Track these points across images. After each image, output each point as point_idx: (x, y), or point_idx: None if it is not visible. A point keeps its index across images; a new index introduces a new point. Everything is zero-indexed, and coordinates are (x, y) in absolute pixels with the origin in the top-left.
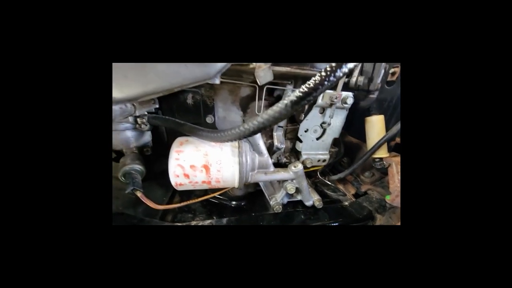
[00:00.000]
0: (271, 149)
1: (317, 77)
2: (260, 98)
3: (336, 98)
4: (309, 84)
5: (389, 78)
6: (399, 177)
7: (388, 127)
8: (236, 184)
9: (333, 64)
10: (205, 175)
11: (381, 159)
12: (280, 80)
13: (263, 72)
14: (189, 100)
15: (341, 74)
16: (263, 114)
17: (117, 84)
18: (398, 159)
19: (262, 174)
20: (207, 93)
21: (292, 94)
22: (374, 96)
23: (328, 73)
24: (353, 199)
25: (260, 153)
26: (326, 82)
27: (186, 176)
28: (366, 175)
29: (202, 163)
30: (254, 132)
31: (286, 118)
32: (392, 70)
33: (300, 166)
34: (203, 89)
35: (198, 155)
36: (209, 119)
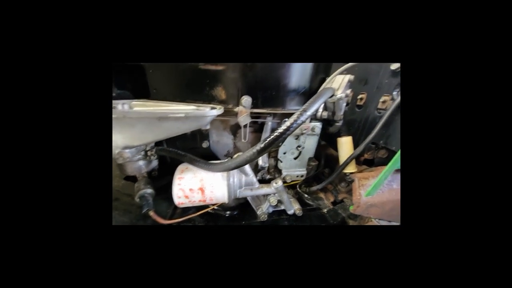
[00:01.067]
0: (256, 168)
1: (279, 131)
2: (245, 127)
3: (305, 129)
4: (272, 136)
5: (358, 103)
6: (360, 191)
7: (358, 144)
8: (226, 201)
9: (293, 117)
10: (201, 196)
11: (350, 173)
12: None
13: (243, 118)
14: (188, 132)
15: (299, 123)
16: (238, 157)
17: (136, 134)
18: (360, 175)
19: (248, 190)
20: None
21: (258, 144)
22: (339, 124)
23: (288, 126)
24: (331, 207)
25: (246, 174)
26: (287, 132)
27: (186, 197)
28: (342, 185)
29: (199, 186)
30: (234, 168)
31: (256, 159)
32: (359, 96)
33: (280, 183)
34: None
35: (196, 180)
36: (204, 144)
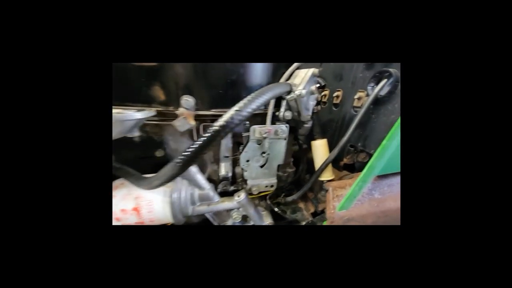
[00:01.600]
0: (217, 179)
1: (204, 137)
2: (197, 134)
3: (266, 133)
4: (195, 144)
5: (334, 101)
6: (334, 204)
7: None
8: (171, 221)
9: (223, 119)
10: (137, 217)
11: (327, 181)
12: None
13: (180, 122)
14: (136, 138)
15: (231, 125)
16: (160, 172)
17: None
18: (336, 184)
19: (205, 206)
20: (153, 129)
21: (179, 157)
22: (308, 125)
23: (215, 130)
24: (310, 219)
25: (200, 187)
26: (216, 138)
27: (118, 219)
28: (322, 193)
29: (133, 206)
30: (160, 185)
31: (181, 173)
32: (335, 94)
33: (243, 196)
34: (148, 127)
35: (129, 198)
36: (158, 153)
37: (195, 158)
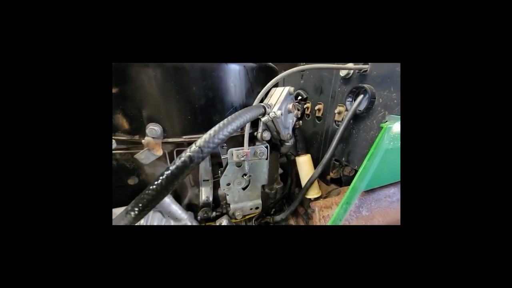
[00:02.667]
0: (198, 203)
1: (165, 175)
2: (171, 160)
3: (243, 156)
4: (156, 183)
5: (317, 114)
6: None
7: (322, 158)
8: None
9: (186, 154)
10: None
11: (314, 198)
12: None
13: (143, 154)
14: None
15: (197, 160)
16: (120, 214)
17: None
18: (322, 203)
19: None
20: (123, 157)
21: (138, 197)
22: (289, 143)
23: (179, 165)
24: None
25: (175, 218)
26: (183, 173)
27: None
28: (312, 209)
29: None
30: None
31: (139, 219)
32: (316, 107)
33: (225, 222)
34: (118, 154)
35: None
36: (131, 181)
37: (153, 201)
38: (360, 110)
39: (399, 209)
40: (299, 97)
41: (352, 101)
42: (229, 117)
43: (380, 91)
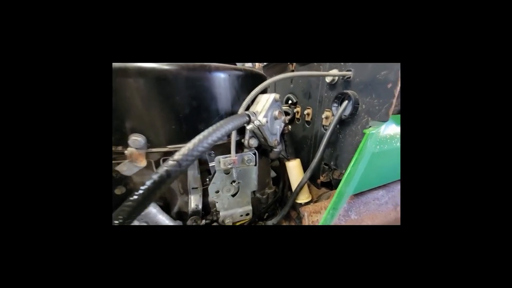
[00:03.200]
0: (186, 212)
1: (140, 191)
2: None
3: (231, 164)
4: (132, 198)
5: (306, 119)
6: None
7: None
8: None
9: (164, 167)
10: None
11: (305, 203)
12: None
13: (125, 166)
14: None
15: (175, 173)
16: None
17: None
18: (311, 208)
19: None
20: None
21: (119, 209)
22: (277, 149)
23: (156, 179)
24: None
25: None
26: (160, 187)
27: None
28: (302, 214)
29: None
30: None
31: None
32: (305, 112)
33: None
34: None
35: None
36: (118, 191)
37: (141, 206)
38: (345, 116)
39: (388, 212)
40: (289, 101)
41: (338, 106)
42: (210, 128)
43: (363, 97)
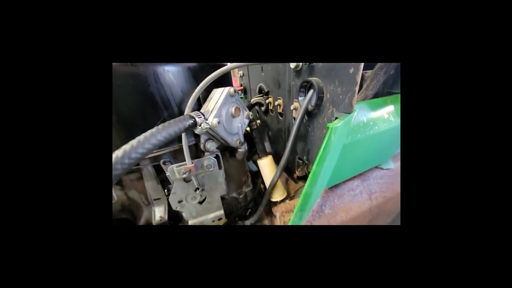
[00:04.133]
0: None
1: None
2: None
3: (186, 172)
4: None
5: (278, 110)
6: None
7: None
8: None
9: None
10: None
11: (280, 201)
12: None
13: None
14: None
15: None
16: None
17: None
18: (283, 207)
19: None
20: None
21: None
22: (242, 150)
23: None
24: None
25: None
26: None
27: None
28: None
29: None
30: None
31: None
32: (276, 102)
33: None
34: None
35: None
36: None
37: None
38: (312, 106)
39: (362, 202)
40: (262, 91)
41: (304, 96)
42: (141, 136)
43: (326, 85)
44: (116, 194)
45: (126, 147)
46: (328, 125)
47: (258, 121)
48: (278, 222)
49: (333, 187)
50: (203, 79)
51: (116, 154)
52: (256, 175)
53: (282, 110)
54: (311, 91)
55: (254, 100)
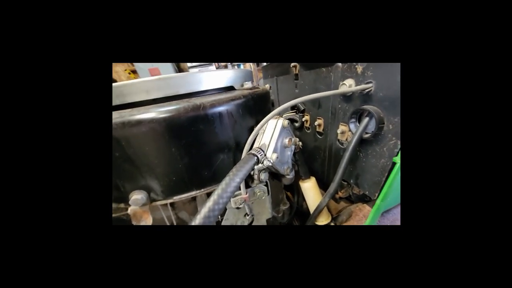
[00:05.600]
0: None
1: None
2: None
3: (242, 203)
4: None
5: (317, 130)
6: None
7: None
8: None
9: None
10: None
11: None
12: None
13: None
14: None
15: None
16: None
17: None
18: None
19: None
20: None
21: None
22: (290, 176)
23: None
24: None
25: None
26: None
27: None
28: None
29: None
30: None
31: None
32: (316, 122)
33: None
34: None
35: None
36: None
37: None
38: (367, 133)
39: None
40: (295, 108)
41: (355, 122)
42: (222, 184)
43: (389, 116)
44: (166, 214)
45: (213, 197)
46: (395, 159)
47: (300, 144)
48: None
49: (384, 213)
50: (245, 113)
51: (207, 206)
52: (291, 192)
53: (322, 130)
54: (367, 119)
55: (287, 115)
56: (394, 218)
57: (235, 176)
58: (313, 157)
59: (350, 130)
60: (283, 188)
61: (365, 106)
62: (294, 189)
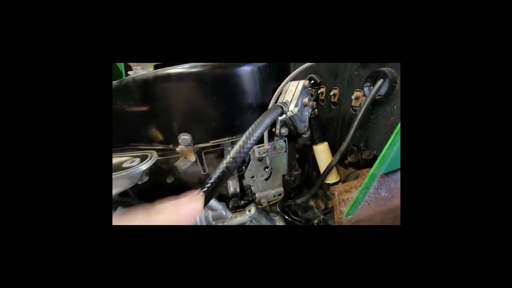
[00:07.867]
0: (227, 194)
1: (215, 176)
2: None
3: (265, 153)
4: (208, 185)
5: (332, 100)
6: (342, 209)
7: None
8: None
9: (229, 159)
10: None
11: (334, 183)
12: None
13: (181, 162)
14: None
15: (239, 161)
16: None
17: None
18: (341, 187)
19: (220, 224)
20: (160, 161)
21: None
22: (306, 135)
23: (224, 169)
24: (322, 217)
25: (211, 209)
26: (227, 174)
27: None
28: (331, 193)
29: None
30: None
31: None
32: (332, 92)
33: (253, 210)
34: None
35: None
36: (169, 180)
37: (217, 188)
38: (379, 95)
39: None
40: (312, 81)
41: (370, 86)
42: (252, 126)
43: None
44: (196, 170)
45: (243, 138)
46: None
47: (316, 110)
48: (336, 199)
49: (388, 173)
50: (271, 74)
51: (238, 144)
52: (301, 161)
53: (337, 100)
54: (381, 80)
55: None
56: (398, 179)
57: (263, 120)
58: (326, 128)
59: (364, 95)
60: (295, 156)
61: (380, 69)
62: (305, 160)
